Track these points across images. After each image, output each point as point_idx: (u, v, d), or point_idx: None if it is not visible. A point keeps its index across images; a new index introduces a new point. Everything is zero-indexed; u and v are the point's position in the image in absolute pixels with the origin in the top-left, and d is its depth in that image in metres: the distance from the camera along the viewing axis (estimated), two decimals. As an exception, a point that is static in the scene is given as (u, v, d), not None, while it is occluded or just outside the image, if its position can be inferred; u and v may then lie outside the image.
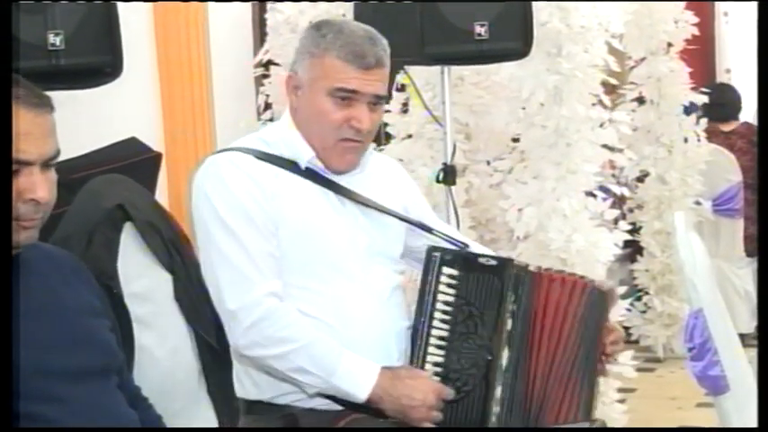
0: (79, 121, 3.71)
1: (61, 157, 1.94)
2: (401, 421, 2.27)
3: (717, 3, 7.85)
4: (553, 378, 2.36)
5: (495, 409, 2.29)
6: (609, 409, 4.14)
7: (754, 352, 2.38)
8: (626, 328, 5.37)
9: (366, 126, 2.32)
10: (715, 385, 2.84)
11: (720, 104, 6.24)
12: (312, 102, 2.34)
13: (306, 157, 2.35)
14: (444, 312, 2.31)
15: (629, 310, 4.55)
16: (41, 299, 1.90)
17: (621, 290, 4.42)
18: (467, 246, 2.49)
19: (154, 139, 4.28)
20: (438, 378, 2.29)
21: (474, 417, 2.29)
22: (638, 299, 5.74)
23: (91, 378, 1.92)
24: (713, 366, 2.81)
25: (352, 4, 3.85)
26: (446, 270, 2.32)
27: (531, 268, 2.41)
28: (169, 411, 2.33)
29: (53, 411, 1.84)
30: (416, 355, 2.31)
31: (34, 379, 1.82)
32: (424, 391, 2.26)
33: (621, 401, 4.28)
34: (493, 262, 2.35)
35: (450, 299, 2.32)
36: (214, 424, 2.96)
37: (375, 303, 2.35)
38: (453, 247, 2.43)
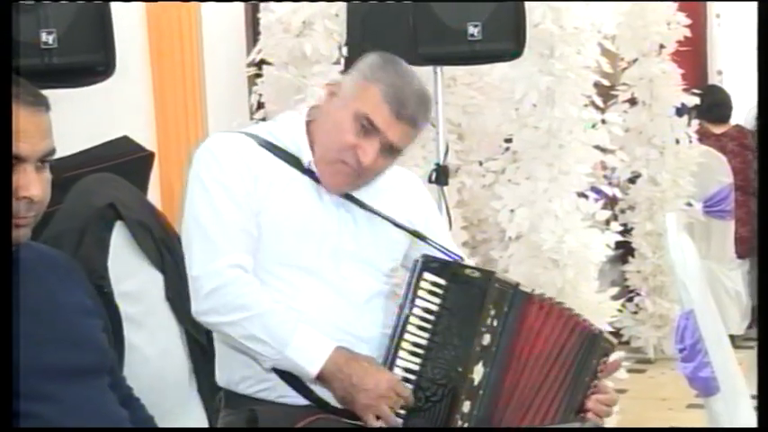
0: (71, 120, 3.70)
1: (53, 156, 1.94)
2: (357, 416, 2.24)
3: (709, 5, 7.87)
4: (527, 406, 2.32)
5: (460, 422, 2.26)
6: (600, 409, 4.14)
7: (744, 353, 2.39)
8: (617, 329, 5.38)
9: (368, 162, 2.31)
10: (706, 386, 2.86)
11: (711, 106, 6.25)
12: (337, 114, 2.34)
13: (307, 158, 2.36)
14: (423, 320, 2.28)
15: (620, 311, 4.56)
16: (34, 298, 1.90)
17: (613, 291, 4.44)
18: (461, 259, 2.47)
19: (146, 138, 4.27)
20: (410, 386, 2.25)
21: (437, 425, 2.26)
22: (630, 300, 5.75)
23: (83, 377, 1.92)
24: (704, 367, 2.82)
25: (345, 3, 3.85)
26: (429, 276, 2.29)
27: (524, 288, 2.37)
28: (160, 411, 2.32)
29: (45, 410, 1.84)
30: (387, 357, 2.28)
31: (27, 378, 1.82)
32: (378, 379, 2.22)
33: (612, 402, 4.28)
34: (477, 274, 2.33)
35: (433, 307, 2.29)
36: (204, 423, 2.96)
37: (346, 307, 2.33)
38: (444, 257, 2.41)
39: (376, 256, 2.41)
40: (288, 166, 2.35)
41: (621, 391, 4.71)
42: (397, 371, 2.27)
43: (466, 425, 2.26)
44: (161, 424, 2.26)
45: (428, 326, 2.28)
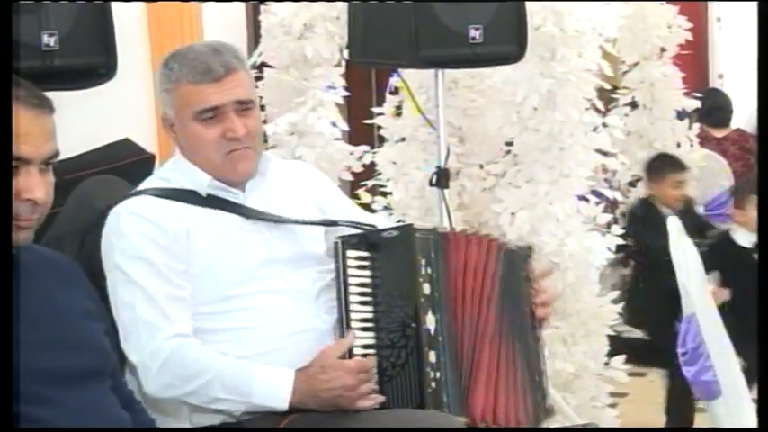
0: (73, 122, 3.70)
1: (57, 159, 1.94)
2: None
3: (710, 8, 7.87)
4: (481, 336, 2.38)
5: (432, 374, 2.30)
6: (600, 413, 4.13)
7: (745, 357, 2.38)
8: (618, 333, 5.37)
9: (241, 132, 2.36)
10: (707, 390, 2.86)
11: (711, 110, 6.25)
12: (186, 132, 2.39)
13: (204, 182, 2.39)
14: (362, 294, 2.33)
15: (621, 314, 4.55)
16: (36, 301, 1.90)
17: (614, 294, 4.43)
18: (374, 227, 2.50)
19: (147, 141, 4.26)
20: (373, 359, 2.30)
21: (413, 386, 2.29)
22: (631, 303, 5.73)
23: (85, 381, 1.92)
24: (706, 371, 2.82)
25: (345, 5, 3.85)
26: (352, 253, 2.34)
27: (440, 230, 2.44)
28: (161, 413, 2.33)
29: (47, 413, 1.84)
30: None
31: (29, 381, 1.82)
32: (339, 378, 2.26)
33: (613, 406, 4.28)
34: (395, 233, 2.38)
35: (366, 280, 2.34)
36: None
37: (301, 308, 2.37)
38: (359, 231, 2.44)
39: (308, 249, 2.44)
40: (192, 207, 2.37)
41: (622, 395, 4.72)
42: (356, 350, 2.31)
43: (438, 374, 2.30)
44: (162, 425, 2.26)
45: (368, 299, 2.34)
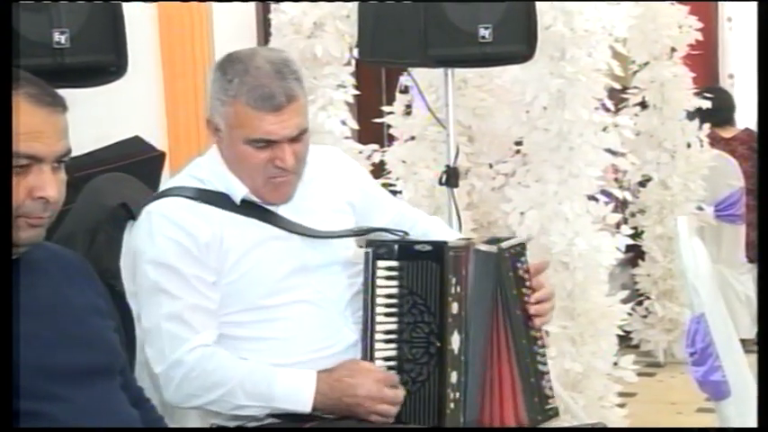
0: (83, 120, 3.71)
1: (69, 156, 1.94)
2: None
3: (721, 8, 7.85)
4: (502, 351, 2.35)
5: (452, 395, 2.28)
6: (609, 413, 4.14)
7: (755, 357, 2.38)
8: (627, 332, 5.37)
9: (290, 163, 2.31)
10: (716, 390, 2.85)
11: (715, 109, 6.21)
12: (232, 148, 2.34)
13: (240, 193, 2.35)
14: (389, 305, 2.32)
15: (630, 314, 4.55)
16: (47, 298, 1.91)
17: (623, 294, 4.43)
18: (406, 234, 2.48)
19: (157, 138, 4.28)
20: (393, 372, 2.29)
21: (431, 405, 2.28)
22: (640, 303, 5.74)
23: (95, 378, 1.93)
24: (714, 371, 2.81)
25: (355, 4, 3.85)
26: (382, 263, 2.33)
27: (478, 246, 2.37)
28: (168, 410, 2.33)
29: (57, 410, 1.84)
30: (366, 353, 2.32)
31: (39, 378, 1.82)
32: (364, 385, 2.25)
33: (622, 406, 4.28)
34: (428, 248, 2.34)
35: (393, 291, 2.32)
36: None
37: (330, 319, 2.36)
38: (390, 238, 2.42)
39: (338, 254, 2.42)
40: (226, 213, 2.34)
41: (631, 395, 4.72)
42: (379, 363, 2.30)
43: (458, 394, 2.28)
44: (170, 424, 2.26)
45: (394, 310, 2.32)
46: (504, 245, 2.39)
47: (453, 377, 2.29)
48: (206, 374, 2.26)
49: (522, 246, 2.44)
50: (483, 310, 2.35)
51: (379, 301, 2.31)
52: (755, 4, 2.67)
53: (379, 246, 2.35)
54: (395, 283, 2.32)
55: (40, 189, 1.84)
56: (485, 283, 2.35)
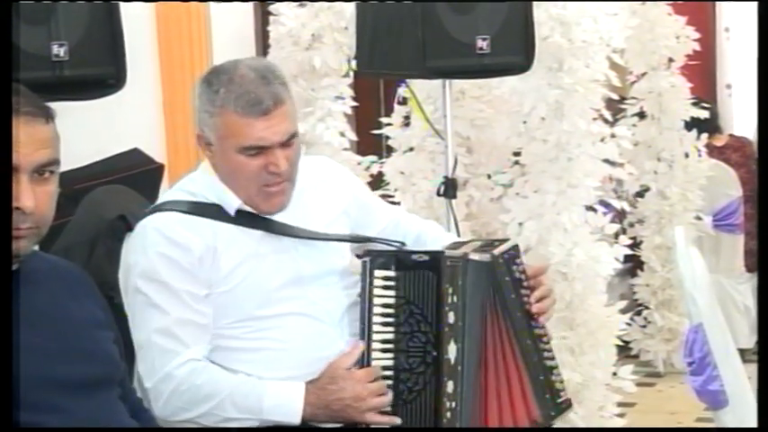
0: (82, 132, 3.72)
1: (63, 168, 1.93)
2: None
3: (718, 18, 7.86)
4: (499, 362, 2.34)
5: (449, 404, 2.28)
6: (609, 422, 4.14)
7: (753, 367, 2.39)
8: (626, 343, 5.37)
9: (283, 167, 2.31)
10: (714, 400, 2.85)
11: (703, 119, 6.21)
12: (225, 159, 2.33)
13: (234, 205, 2.35)
14: (385, 315, 2.32)
15: (629, 324, 4.55)
16: (45, 310, 1.90)
17: (621, 304, 4.43)
18: (403, 245, 2.48)
19: (156, 151, 4.28)
20: (390, 382, 2.29)
21: (428, 414, 2.29)
22: (638, 313, 5.74)
23: (94, 389, 1.93)
24: (713, 381, 2.81)
25: (353, 16, 3.86)
26: (380, 273, 2.33)
27: (472, 256, 2.36)
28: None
29: (56, 422, 1.84)
30: (361, 363, 2.32)
31: (37, 389, 1.82)
32: (349, 387, 2.26)
33: (621, 416, 4.28)
34: (426, 257, 2.35)
35: (390, 300, 2.33)
36: None
37: (325, 330, 2.35)
38: (387, 248, 2.43)
39: (333, 264, 2.42)
40: (219, 224, 2.33)
41: (630, 405, 4.72)
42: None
43: (454, 404, 2.28)
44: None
45: (391, 320, 2.33)
46: (497, 251, 2.39)
47: (450, 386, 2.29)
48: (195, 388, 2.26)
49: (516, 248, 2.44)
50: (480, 319, 2.35)
51: (376, 310, 2.32)
52: (753, 13, 2.68)
53: (376, 255, 2.36)
54: (392, 292, 2.33)
55: (15, 199, 1.80)
56: (481, 292, 2.36)
